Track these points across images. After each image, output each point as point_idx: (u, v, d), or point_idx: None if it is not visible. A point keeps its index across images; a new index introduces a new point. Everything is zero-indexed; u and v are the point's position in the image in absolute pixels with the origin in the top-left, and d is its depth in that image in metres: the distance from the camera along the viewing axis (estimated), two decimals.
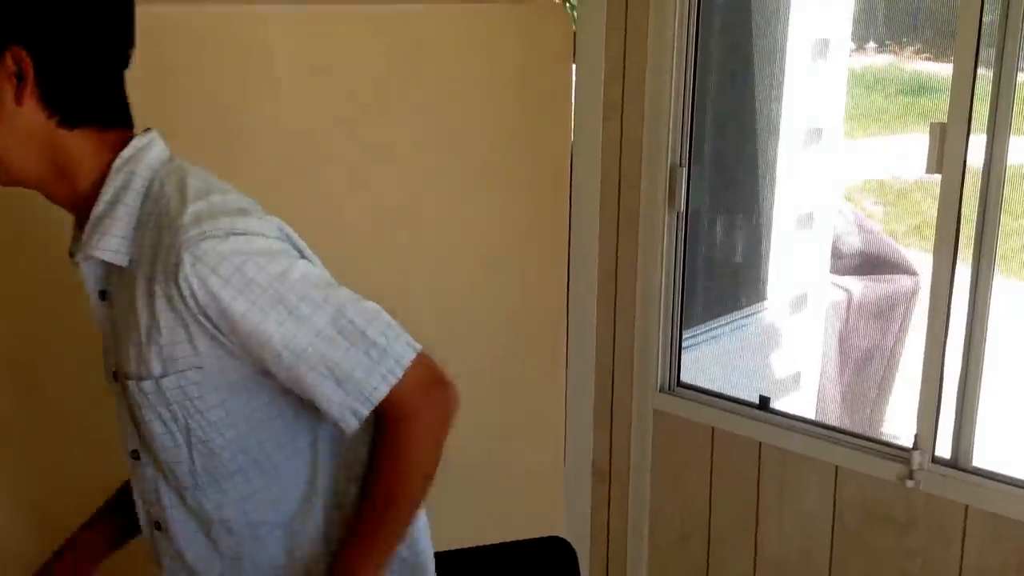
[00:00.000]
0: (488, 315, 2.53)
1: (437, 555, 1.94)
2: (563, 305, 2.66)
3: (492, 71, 2.40)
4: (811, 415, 2.79)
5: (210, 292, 1.26)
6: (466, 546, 1.99)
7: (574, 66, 2.56)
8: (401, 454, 1.45)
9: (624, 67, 2.50)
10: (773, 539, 2.45)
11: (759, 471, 2.44)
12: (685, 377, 2.61)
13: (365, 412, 1.37)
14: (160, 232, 1.28)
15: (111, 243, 1.31)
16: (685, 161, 2.47)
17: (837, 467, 2.31)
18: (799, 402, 2.92)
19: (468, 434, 2.54)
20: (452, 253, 2.43)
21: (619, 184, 2.57)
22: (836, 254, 3.12)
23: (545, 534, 2.06)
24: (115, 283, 1.35)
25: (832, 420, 3.10)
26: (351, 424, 1.36)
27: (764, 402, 2.45)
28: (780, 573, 2.46)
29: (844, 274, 3.19)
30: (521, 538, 2.04)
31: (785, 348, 2.98)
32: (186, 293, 1.25)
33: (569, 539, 2.04)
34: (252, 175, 2.09)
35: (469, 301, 2.48)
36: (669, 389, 2.61)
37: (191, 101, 1.99)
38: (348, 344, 1.38)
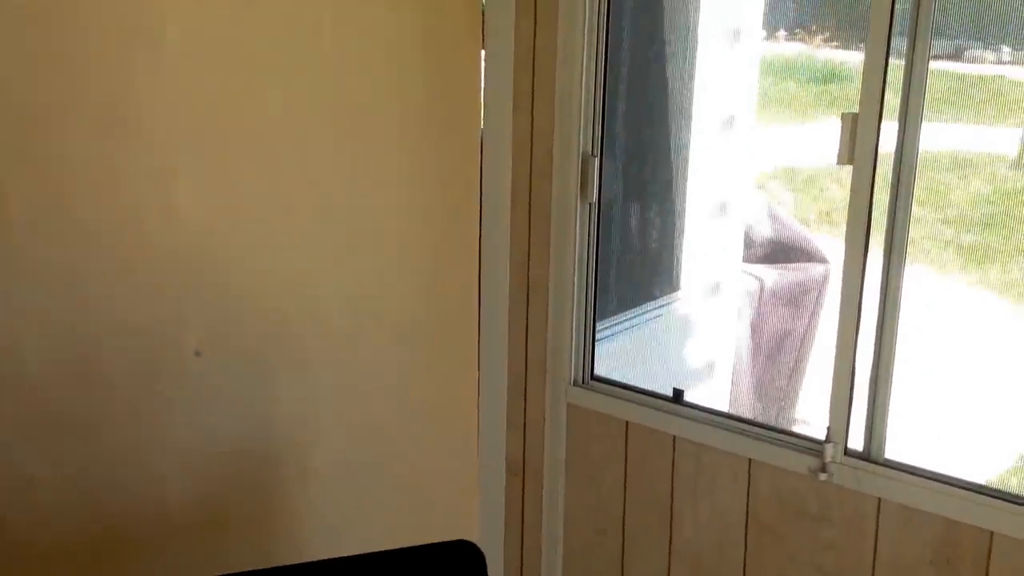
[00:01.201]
0: (396, 309, 2.46)
1: (341, 560, 1.88)
2: (474, 298, 2.60)
3: (398, 55, 2.33)
4: (725, 406, 2.78)
5: None
6: (375, 550, 1.94)
7: (483, 52, 2.50)
8: None
9: (534, 54, 2.44)
10: (688, 533, 2.43)
11: (673, 465, 2.41)
12: (599, 370, 2.57)
13: None
14: None
15: None
16: (597, 150, 2.43)
17: (750, 460, 2.29)
18: (713, 393, 2.91)
19: (378, 433, 2.49)
20: (357, 246, 2.36)
21: (530, 174, 2.51)
22: (748, 243, 3.12)
23: (460, 533, 2.02)
24: None
25: (745, 410, 3.10)
26: None
27: (678, 395, 2.42)
28: (695, 567, 2.43)
29: (756, 262, 3.19)
30: (434, 540, 1.99)
31: (699, 338, 2.96)
32: None
33: (484, 537, 2.00)
34: (141, 160, 2.00)
35: (376, 294, 2.41)
36: (583, 383, 2.57)
37: (77, 87, 1.88)
38: None
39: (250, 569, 1.84)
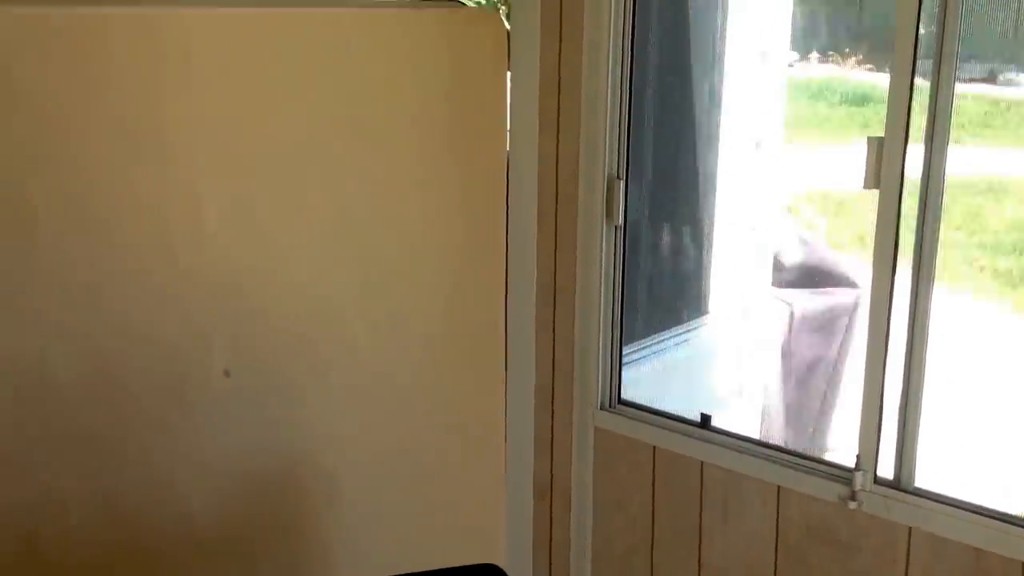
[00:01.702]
0: (424, 333, 2.46)
1: None
2: (501, 321, 2.60)
3: (425, 80, 2.34)
4: (754, 431, 2.75)
5: None
6: (401, 572, 1.93)
7: (508, 76, 2.50)
8: None
9: (559, 77, 2.44)
10: (717, 558, 2.40)
11: (701, 490, 2.39)
12: (626, 394, 2.55)
13: None
14: None
15: None
16: (623, 173, 2.42)
17: (779, 487, 2.26)
18: (742, 418, 2.88)
19: (404, 453, 2.48)
20: (383, 269, 2.36)
21: (556, 197, 2.51)
22: (777, 267, 3.09)
23: (486, 555, 2.01)
24: None
25: (775, 437, 3.07)
26: None
27: (705, 420, 2.40)
28: None
29: (786, 287, 3.16)
30: (460, 562, 1.99)
31: (727, 363, 2.94)
32: None
33: (511, 559, 1.99)
34: (166, 176, 2.02)
35: (404, 318, 2.42)
36: (610, 406, 2.55)
37: (101, 107, 1.91)
38: None
39: None
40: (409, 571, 1.93)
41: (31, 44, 1.80)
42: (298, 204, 2.21)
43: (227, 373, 2.18)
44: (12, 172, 1.85)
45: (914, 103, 1.96)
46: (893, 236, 2.01)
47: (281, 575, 2.33)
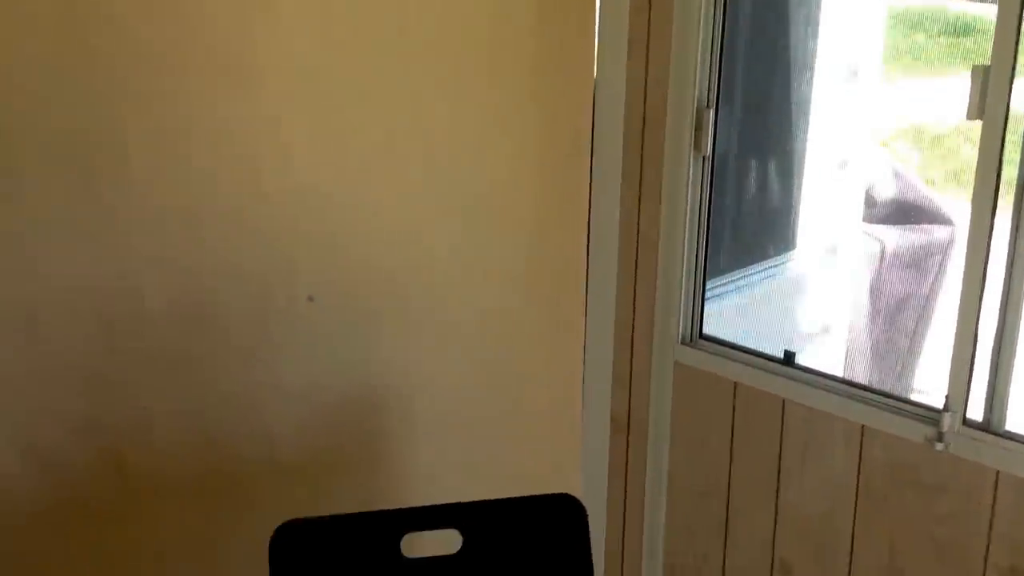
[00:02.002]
0: (502, 262, 2.45)
1: (442, 508, 1.88)
2: (582, 252, 2.57)
3: (511, 4, 2.29)
4: (839, 370, 2.69)
5: None
6: (476, 499, 1.94)
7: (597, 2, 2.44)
8: None
9: (651, 1, 2.37)
10: (795, 498, 2.37)
11: (782, 428, 2.35)
12: (708, 329, 2.52)
13: None
14: None
15: None
16: (713, 102, 2.36)
17: (863, 427, 2.21)
18: (827, 357, 2.82)
19: (480, 384, 2.48)
20: (465, 196, 2.34)
21: (643, 125, 2.45)
22: (869, 202, 3.00)
23: (562, 486, 2.00)
24: None
25: (860, 376, 3.00)
26: None
27: (789, 357, 2.36)
28: (802, 533, 2.38)
29: (877, 223, 3.07)
30: (538, 492, 1.98)
31: (814, 300, 2.87)
32: None
33: (586, 492, 1.98)
34: (255, 110, 2.02)
35: (483, 245, 2.40)
36: (691, 341, 2.52)
37: (194, 42, 1.90)
38: None
39: (354, 512, 1.86)
40: (483, 499, 1.94)
41: None
42: (384, 134, 2.19)
43: (311, 299, 2.19)
44: (111, 107, 1.86)
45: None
46: (996, 170, 1.93)
47: (358, 503, 2.36)
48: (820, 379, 2.30)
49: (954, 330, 2.05)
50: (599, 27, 2.44)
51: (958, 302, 2.04)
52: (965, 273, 2.02)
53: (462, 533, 1.85)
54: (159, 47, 1.86)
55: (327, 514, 1.78)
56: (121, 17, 1.82)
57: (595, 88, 2.47)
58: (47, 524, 1.99)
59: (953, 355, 2.05)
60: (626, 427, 2.68)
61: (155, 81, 1.88)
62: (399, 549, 1.83)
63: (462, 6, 2.22)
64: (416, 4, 2.17)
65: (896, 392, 2.28)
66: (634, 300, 2.58)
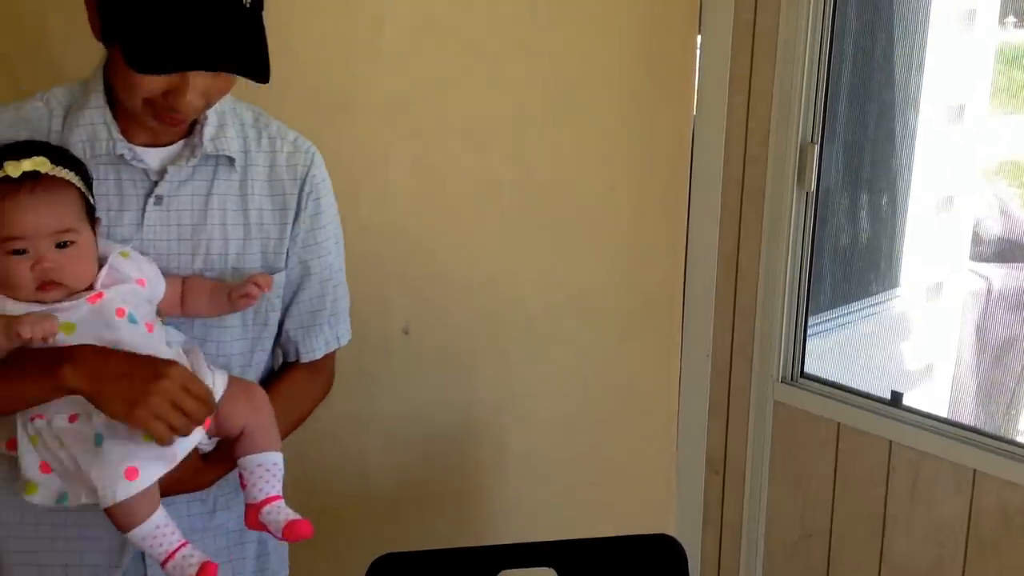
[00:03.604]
0: (599, 295, 2.42)
1: (540, 545, 1.86)
2: (679, 287, 2.54)
3: (612, 37, 2.28)
4: (943, 412, 2.60)
5: (320, 193, 1.48)
6: (571, 537, 1.91)
7: (699, 36, 2.42)
8: (310, 399, 1.60)
9: (753, 34, 2.34)
10: (901, 545, 2.29)
11: (888, 472, 2.28)
12: (809, 367, 2.45)
13: (331, 349, 1.57)
14: (271, 139, 1.46)
15: (232, 143, 1.42)
16: (817, 137, 2.31)
17: (975, 471, 2.13)
18: (931, 397, 2.73)
19: (574, 421, 2.45)
20: (563, 228, 2.33)
21: (744, 160, 2.42)
22: (976, 240, 2.91)
23: (656, 526, 1.97)
24: (189, 184, 1.41)
25: (966, 417, 2.90)
26: (316, 354, 1.54)
27: (896, 398, 2.29)
28: None
29: (984, 261, 2.97)
30: (630, 531, 1.95)
31: (918, 339, 2.80)
32: (308, 192, 1.47)
33: (680, 533, 1.94)
34: (357, 146, 2.03)
35: (580, 280, 2.38)
36: (792, 380, 2.46)
37: (298, 71, 1.92)
38: (344, 292, 1.59)
39: (448, 547, 1.84)
40: (577, 537, 1.91)
41: None
42: (483, 172, 2.19)
43: (406, 331, 2.19)
44: None
45: None
46: None
47: (450, 537, 2.34)
48: (929, 421, 2.22)
49: None
50: (700, 64, 2.42)
51: None
52: None
53: (558, 571, 1.83)
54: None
55: (419, 548, 1.76)
56: None
57: (695, 124, 2.45)
58: None
59: None
60: (722, 467, 2.62)
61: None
62: None
63: (561, 41, 2.22)
64: (514, 43, 2.17)
65: (1006, 435, 2.20)
66: (732, 337, 2.53)
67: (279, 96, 1.89)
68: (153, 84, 1.26)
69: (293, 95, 1.91)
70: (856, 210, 2.77)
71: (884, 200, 2.81)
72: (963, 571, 2.19)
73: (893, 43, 2.64)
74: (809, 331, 2.47)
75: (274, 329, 1.52)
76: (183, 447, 1.29)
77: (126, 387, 1.23)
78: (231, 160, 1.43)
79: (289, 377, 1.56)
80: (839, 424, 2.35)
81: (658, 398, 2.60)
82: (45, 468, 1.29)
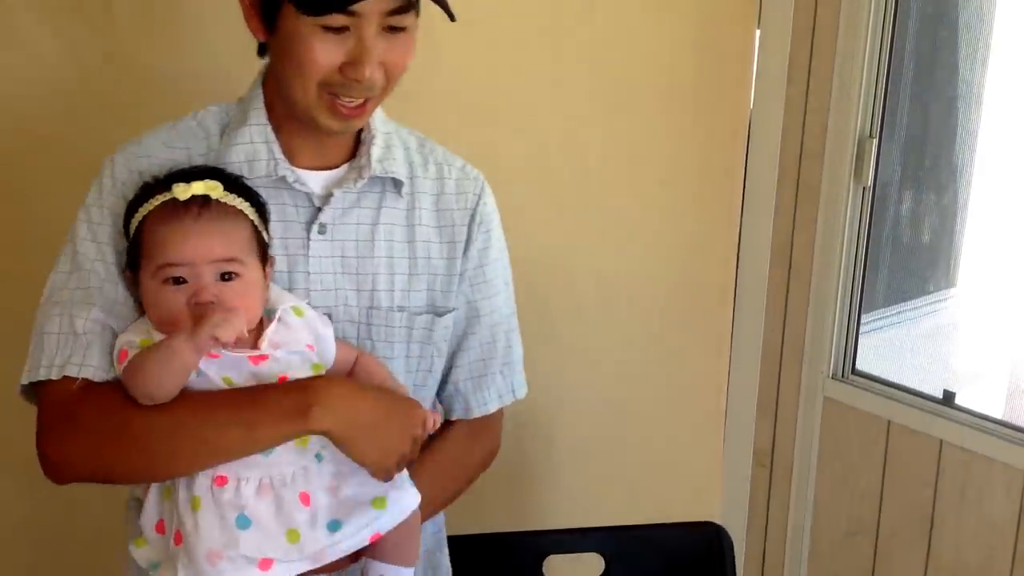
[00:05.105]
0: (650, 286, 2.42)
1: (588, 530, 1.87)
2: (731, 280, 2.53)
3: (669, 28, 2.27)
4: (998, 413, 2.57)
5: (490, 226, 1.38)
6: (618, 524, 1.92)
7: (758, 29, 2.41)
8: (476, 463, 1.46)
9: (814, 27, 2.32)
10: (950, 546, 2.27)
11: (938, 471, 2.26)
12: (862, 365, 2.44)
13: (505, 403, 1.43)
14: (438, 165, 1.37)
15: (399, 166, 1.32)
16: (876, 131, 2.29)
17: None
18: (985, 398, 2.69)
19: (623, 408, 2.45)
20: (615, 220, 2.32)
21: (800, 154, 2.40)
22: None
23: (701, 518, 1.96)
24: (354, 211, 1.29)
25: (1020, 420, 2.85)
26: (488, 407, 1.40)
27: (948, 397, 2.26)
28: None
29: None
30: (674, 520, 1.95)
31: (974, 339, 2.76)
32: (478, 223, 1.36)
33: (726, 524, 1.94)
34: (420, 126, 2.04)
35: (632, 272, 2.38)
36: (843, 376, 2.44)
37: None
38: (518, 339, 1.46)
39: (497, 531, 1.86)
40: (622, 524, 1.91)
41: None
42: (536, 154, 2.19)
43: None
44: None
45: None
46: None
47: (499, 522, 2.35)
48: (981, 421, 2.20)
49: None
50: (759, 56, 2.40)
51: None
52: None
53: (605, 557, 1.83)
54: None
55: (468, 532, 1.78)
56: None
57: (752, 116, 2.43)
58: None
59: None
60: (770, 461, 2.61)
61: None
62: (541, 571, 1.82)
63: (618, 32, 2.22)
64: (572, 35, 2.16)
65: None
66: (783, 332, 2.52)
67: None
68: (328, 56, 1.15)
69: None
70: (914, 206, 2.73)
71: (943, 197, 2.77)
72: (1012, 572, 2.16)
73: (957, 36, 2.60)
74: (863, 328, 2.45)
75: (438, 378, 1.38)
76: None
77: (382, 434, 1.15)
78: (398, 184, 1.31)
79: (451, 437, 1.40)
80: (889, 422, 2.33)
81: (707, 390, 2.59)
82: (160, 528, 1.17)
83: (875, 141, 2.28)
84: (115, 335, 1.18)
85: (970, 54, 2.60)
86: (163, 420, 1.10)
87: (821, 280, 2.41)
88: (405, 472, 1.22)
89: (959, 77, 2.65)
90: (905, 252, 2.74)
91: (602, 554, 1.83)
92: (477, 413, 1.40)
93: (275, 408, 1.10)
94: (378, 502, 1.17)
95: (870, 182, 2.31)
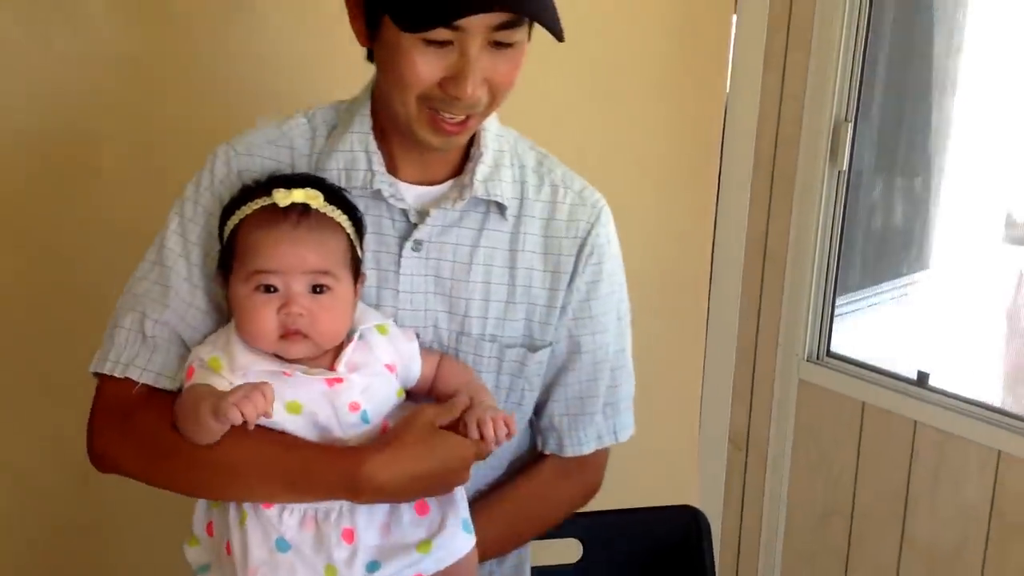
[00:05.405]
0: (626, 272, 2.42)
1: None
2: (707, 263, 2.53)
3: (645, 13, 2.27)
4: (970, 394, 2.60)
5: (602, 258, 1.30)
6: (595, 509, 1.92)
7: (734, 15, 2.41)
8: (564, 500, 1.41)
9: (790, 12, 2.33)
10: (923, 526, 2.29)
11: (912, 452, 2.28)
12: (837, 347, 2.45)
13: (604, 445, 1.37)
14: (553, 187, 1.28)
15: (505, 188, 1.24)
16: (852, 115, 2.30)
17: (1000, 452, 2.13)
18: (957, 380, 2.73)
19: None
20: None
21: (776, 138, 2.41)
22: (1009, 223, 2.90)
23: (678, 501, 1.97)
24: (453, 231, 1.23)
25: (993, 400, 2.89)
26: (582, 448, 1.34)
27: (922, 378, 2.29)
28: (929, 562, 2.30)
29: (1016, 244, 2.95)
30: (651, 504, 1.96)
31: (947, 321, 2.79)
32: (588, 254, 1.29)
33: (702, 508, 1.95)
34: None
35: None
36: (817, 359, 2.46)
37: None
38: (628, 378, 1.40)
39: None
40: (599, 509, 1.91)
41: None
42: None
43: None
44: None
45: None
46: None
47: None
48: (955, 401, 2.23)
49: None
50: (735, 42, 2.41)
51: None
52: None
53: (583, 543, 1.84)
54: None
55: None
56: None
57: (728, 102, 2.44)
58: None
59: None
60: (745, 445, 2.63)
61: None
62: None
63: (594, 18, 2.21)
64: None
65: None
66: (758, 315, 2.54)
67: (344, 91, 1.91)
68: (429, 70, 1.09)
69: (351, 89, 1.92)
70: (888, 190, 2.75)
71: (916, 181, 2.79)
72: (985, 553, 2.19)
73: (932, 23, 2.62)
74: (837, 311, 2.47)
75: (529, 411, 1.32)
76: None
77: (429, 485, 1.13)
78: (502, 208, 1.24)
79: (538, 473, 1.35)
80: (864, 404, 2.35)
81: (683, 373, 2.60)
82: (210, 530, 1.17)
83: (850, 125, 2.30)
84: (182, 342, 1.18)
85: (945, 41, 2.62)
86: (211, 456, 1.10)
87: (796, 263, 2.42)
88: (462, 514, 1.18)
89: (934, 64, 2.67)
90: (879, 235, 2.76)
91: (580, 539, 1.83)
92: (570, 452, 1.34)
93: (320, 480, 1.09)
94: (423, 546, 1.14)
95: (845, 166, 2.32)
